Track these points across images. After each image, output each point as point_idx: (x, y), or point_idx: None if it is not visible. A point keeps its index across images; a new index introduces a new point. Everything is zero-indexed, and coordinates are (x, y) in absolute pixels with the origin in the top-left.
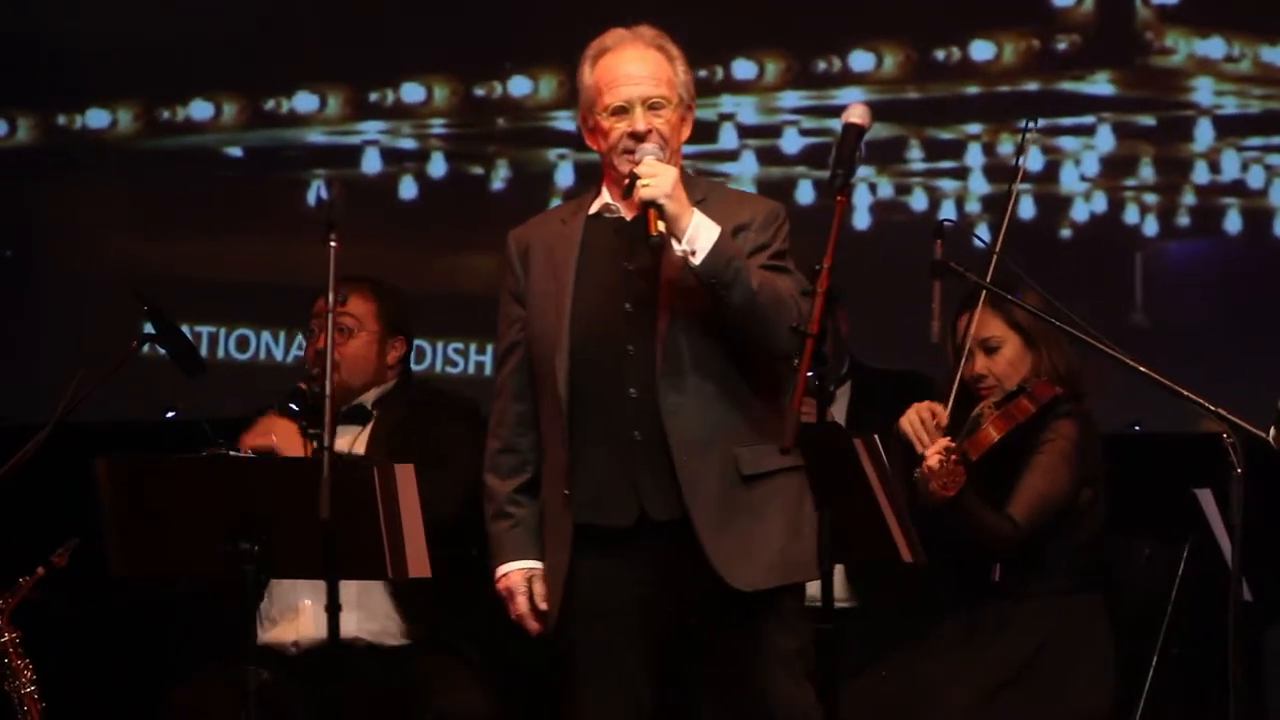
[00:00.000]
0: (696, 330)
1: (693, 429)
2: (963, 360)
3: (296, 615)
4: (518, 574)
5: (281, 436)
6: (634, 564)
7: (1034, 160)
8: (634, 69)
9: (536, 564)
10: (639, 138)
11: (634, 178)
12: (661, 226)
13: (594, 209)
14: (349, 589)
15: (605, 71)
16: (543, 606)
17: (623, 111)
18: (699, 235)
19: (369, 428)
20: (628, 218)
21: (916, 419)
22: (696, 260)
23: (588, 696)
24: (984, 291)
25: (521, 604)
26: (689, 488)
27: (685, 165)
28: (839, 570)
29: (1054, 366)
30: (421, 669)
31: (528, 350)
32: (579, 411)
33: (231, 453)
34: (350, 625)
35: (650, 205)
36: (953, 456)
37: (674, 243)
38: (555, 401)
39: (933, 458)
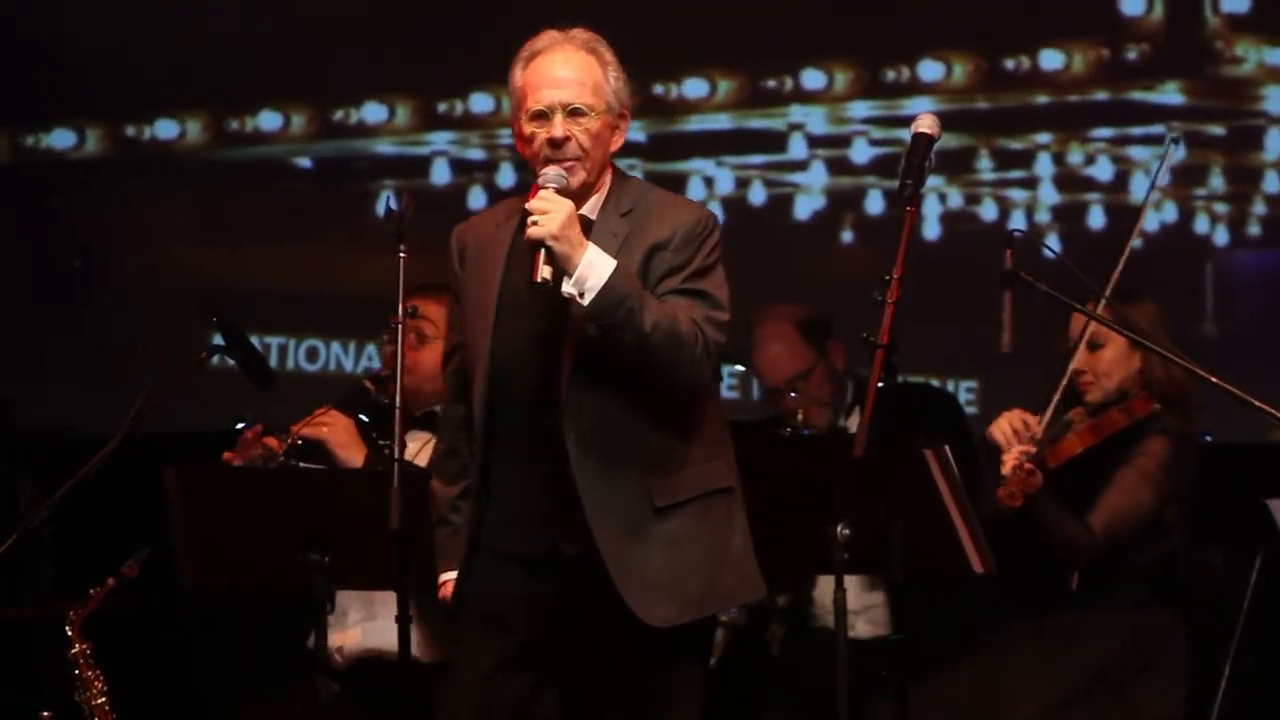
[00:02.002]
0: (604, 358)
1: (599, 460)
2: (1070, 359)
3: (344, 623)
4: (453, 584)
5: (334, 430)
6: (544, 594)
7: (1104, 170)
8: (560, 72)
9: None
10: (557, 144)
11: (526, 213)
12: (546, 273)
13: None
14: (387, 600)
15: (533, 74)
16: None
17: (543, 117)
18: (590, 275)
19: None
20: None
21: (1009, 428)
22: (584, 302)
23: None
24: (1102, 291)
25: None
26: (596, 522)
27: (638, 167)
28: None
29: (1167, 373)
30: None
31: (464, 355)
32: (498, 436)
33: (281, 439)
34: (388, 637)
35: (538, 245)
36: (1027, 465)
37: (564, 282)
38: (475, 422)
39: (1007, 465)
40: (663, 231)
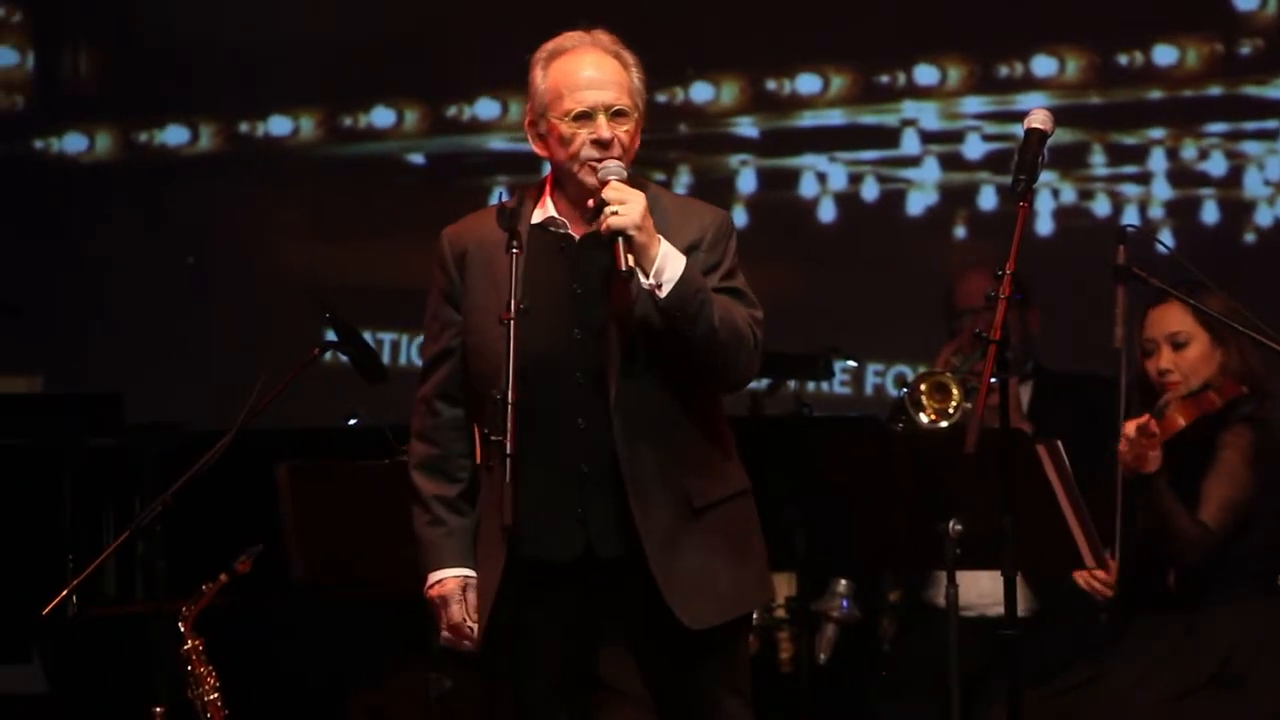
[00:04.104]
0: (647, 360)
1: (645, 462)
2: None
3: None
4: (453, 582)
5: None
6: (577, 599)
7: (1217, 165)
8: (597, 74)
9: (471, 572)
10: (604, 145)
11: (602, 203)
12: (631, 260)
13: (537, 218)
14: None
15: (564, 75)
16: (474, 617)
17: (586, 117)
18: (667, 266)
19: None
20: (575, 235)
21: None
22: (663, 293)
23: None
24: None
25: (456, 613)
26: (643, 524)
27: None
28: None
29: (1245, 363)
30: None
31: (466, 362)
32: (524, 440)
33: None
34: None
35: (619, 235)
36: (1146, 436)
37: (639, 274)
38: (499, 427)
39: (1130, 427)
40: (693, 232)
